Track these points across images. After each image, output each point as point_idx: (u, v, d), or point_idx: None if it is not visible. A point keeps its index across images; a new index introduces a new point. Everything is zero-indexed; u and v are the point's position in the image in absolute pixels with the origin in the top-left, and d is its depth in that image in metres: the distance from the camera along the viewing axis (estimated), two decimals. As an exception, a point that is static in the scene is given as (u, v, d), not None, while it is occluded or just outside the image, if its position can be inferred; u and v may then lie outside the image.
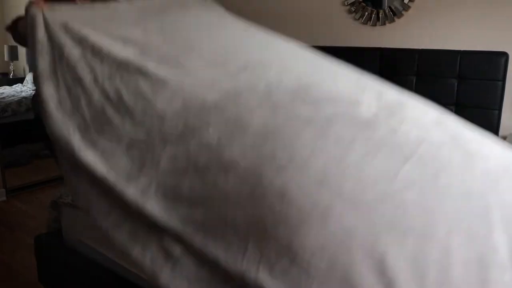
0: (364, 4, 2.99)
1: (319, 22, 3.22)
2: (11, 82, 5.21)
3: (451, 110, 2.64)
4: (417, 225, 0.86)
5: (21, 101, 4.51)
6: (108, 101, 1.23)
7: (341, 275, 0.87)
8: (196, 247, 1.03)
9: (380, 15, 2.92)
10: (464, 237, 0.85)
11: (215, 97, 1.11)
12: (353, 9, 3.04)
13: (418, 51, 2.73)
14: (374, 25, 2.97)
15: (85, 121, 1.26)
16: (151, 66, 1.23)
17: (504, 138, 2.49)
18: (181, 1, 1.66)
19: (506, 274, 0.82)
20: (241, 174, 1.00)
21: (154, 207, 1.09)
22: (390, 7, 2.88)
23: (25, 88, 4.92)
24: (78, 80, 1.28)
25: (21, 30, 1.50)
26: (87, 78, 1.27)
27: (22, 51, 5.31)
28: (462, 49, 2.60)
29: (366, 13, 2.98)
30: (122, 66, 1.25)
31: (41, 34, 1.31)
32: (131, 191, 1.12)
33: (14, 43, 4.84)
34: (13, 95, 4.60)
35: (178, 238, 1.07)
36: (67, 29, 1.31)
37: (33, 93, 4.36)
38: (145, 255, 1.12)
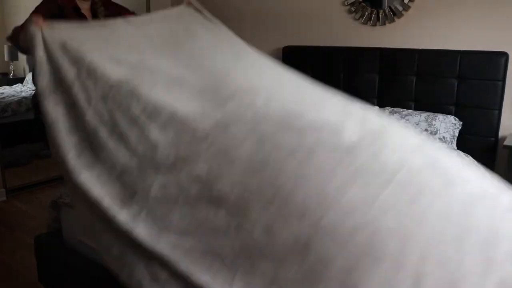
0: (364, 4, 2.99)
1: (319, 22, 3.22)
2: (11, 82, 5.20)
3: (451, 110, 2.65)
4: (391, 252, 0.89)
5: (21, 101, 4.51)
6: (102, 124, 1.27)
7: None
8: (182, 273, 1.07)
9: (380, 15, 2.92)
10: (437, 262, 0.87)
11: (205, 127, 1.16)
12: (353, 9, 3.03)
13: (418, 51, 2.73)
14: (374, 25, 2.97)
15: (82, 142, 1.30)
16: (144, 90, 1.27)
17: (504, 138, 2.49)
18: (178, 20, 1.69)
19: None
20: (230, 208, 1.05)
21: (143, 232, 1.12)
22: (390, 7, 2.88)
23: (25, 88, 4.91)
24: (74, 100, 1.32)
25: (22, 43, 1.53)
26: (81, 98, 1.30)
27: (22, 51, 5.29)
28: (462, 49, 2.60)
29: (366, 13, 2.98)
30: (115, 88, 1.28)
31: (40, 53, 1.35)
32: (123, 217, 1.16)
33: (14, 43, 4.83)
34: (13, 95, 4.60)
35: (165, 263, 1.10)
36: (64, 49, 1.35)
37: (33, 93, 4.36)
38: (132, 278, 1.16)
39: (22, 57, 5.41)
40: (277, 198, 1.00)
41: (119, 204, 1.19)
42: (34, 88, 3.26)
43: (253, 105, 1.17)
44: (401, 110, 2.72)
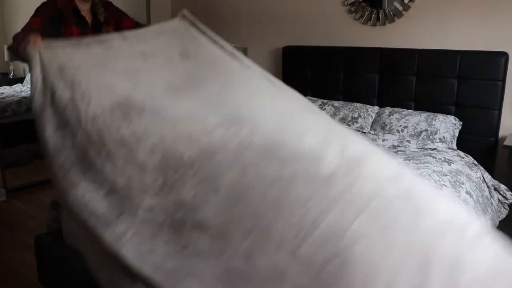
0: (364, 4, 2.99)
1: (319, 22, 3.22)
2: (11, 82, 5.20)
3: (451, 110, 2.65)
4: (359, 281, 0.95)
5: (21, 101, 4.50)
6: (90, 143, 1.30)
7: None
8: None
9: (380, 15, 2.92)
10: None
11: (192, 154, 1.20)
12: (353, 9, 3.04)
13: (418, 51, 2.73)
14: (374, 25, 2.97)
15: (70, 160, 1.33)
16: (134, 114, 1.31)
17: (504, 138, 2.49)
18: (172, 38, 1.72)
19: None
20: (214, 234, 1.10)
21: (128, 253, 1.15)
22: (390, 7, 2.88)
23: (25, 88, 4.91)
24: (66, 121, 1.36)
25: (21, 54, 1.55)
26: (72, 119, 1.35)
27: (22, 51, 5.30)
28: (462, 49, 2.60)
29: (366, 13, 2.98)
30: (107, 111, 1.33)
31: (36, 73, 1.42)
32: (108, 236, 1.19)
33: (14, 43, 4.83)
34: (13, 95, 4.59)
35: (148, 284, 1.13)
36: (62, 72, 1.41)
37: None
38: None
39: (22, 57, 5.42)
40: (257, 227, 1.06)
41: (104, 223, 1.22)
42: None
43: (238, 134, 1.21)
44: (401, 110, 2.72)
